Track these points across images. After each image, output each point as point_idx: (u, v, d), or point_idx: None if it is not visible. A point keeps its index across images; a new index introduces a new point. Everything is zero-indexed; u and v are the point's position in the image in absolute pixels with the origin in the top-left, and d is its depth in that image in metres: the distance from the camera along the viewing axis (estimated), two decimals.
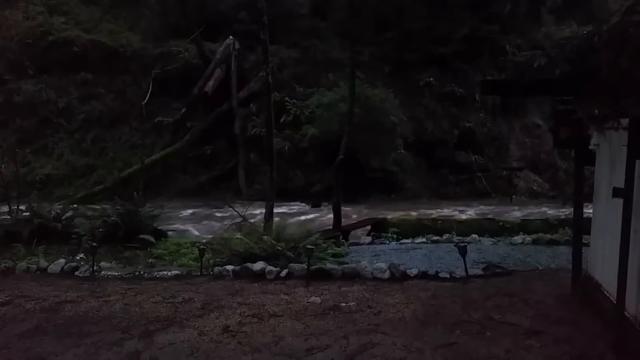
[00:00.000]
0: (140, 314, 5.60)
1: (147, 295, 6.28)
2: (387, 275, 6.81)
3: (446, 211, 15.21)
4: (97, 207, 10.68)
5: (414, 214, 13.82)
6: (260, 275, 6.98)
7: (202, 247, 7.68)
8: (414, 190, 18.32)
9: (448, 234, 9.94)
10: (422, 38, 19.86)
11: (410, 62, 20.00)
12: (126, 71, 20.66)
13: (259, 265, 7.11)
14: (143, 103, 14.98)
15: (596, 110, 4.51)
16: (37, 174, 18.15)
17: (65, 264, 7.63)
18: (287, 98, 18.73)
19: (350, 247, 8.99)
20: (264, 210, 9.79)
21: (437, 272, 6.88)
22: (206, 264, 7.46)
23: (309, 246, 7.16)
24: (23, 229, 9.05)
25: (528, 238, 9.22)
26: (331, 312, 5.55)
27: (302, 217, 14.25)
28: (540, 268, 7.28)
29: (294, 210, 15.80)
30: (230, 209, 11.03)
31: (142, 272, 7.40)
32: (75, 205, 12.02)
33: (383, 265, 7.03)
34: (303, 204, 16.71)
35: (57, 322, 5.41)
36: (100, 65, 20.65)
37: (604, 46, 4.03)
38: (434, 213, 14.22)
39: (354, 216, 13.61)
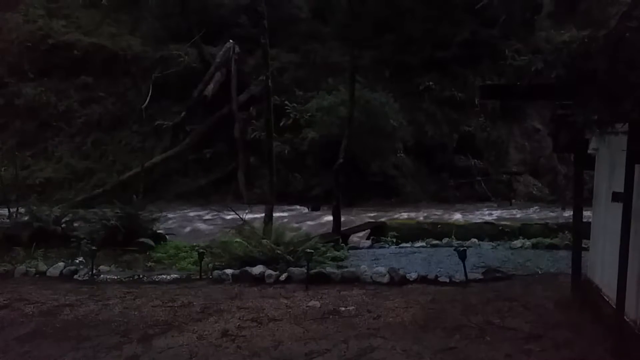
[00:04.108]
0: (139, 318, 5.59)
1: (146, 299, 6.27)
2: (386, 279, 6.81)
3: (446, 215, 15.20)
4: (97, 210, 10.66)
5: (413, 217, 13.82)
6: (260, 279, 6.97)
7: (202, 250, 7.67)
8: (413, 194, 18.31)
9: (447, 238, 9.93)
10: (422, 42, 19.91)
11: (410, 66, 20.04)
12: (126, 74, 20.68)
13: (258, 269, 7.10)
14: (143, 106, 14.99)
15: (595, 115, 4.52)
16: (37, 177, 18.13)
17: (65, 267, 7.63)
18: (287, 102, 18.75)
19: (349, 251, 8.98)
20: (263, 214, 9.78)
21: (436, 276, 6.88)
22: (205, 267, 7.45)
23: (309, 250, 7.15)
24: (22, 232, 9.04)
25: (528, 242, 9.22)
26: (330, 316, 5.55)
27: (302, 221, 14.24)
28: (539, 272, 7.28)
29: (294, 214, 15.79)
30: (226, 212, 11.01)
31: (141, 276, 7.40)
32: (74, 209, 12.00)
33: (382, 269, 7.02)
34: (303, 207, 16.71)
35: (56, 326, 5.40)
36: (100, 68, 20.69)
37: (600, 51, 4.04)
38: (434, 217, 14.22)
39: (354, 219, 13.60)
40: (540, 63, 4.57)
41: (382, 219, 12.66)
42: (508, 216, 14.76)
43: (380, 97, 17.11)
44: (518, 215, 14.88)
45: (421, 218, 13.98)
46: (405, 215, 14.89)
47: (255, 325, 5.32)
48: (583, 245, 6.11)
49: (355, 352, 4.59)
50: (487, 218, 14.14)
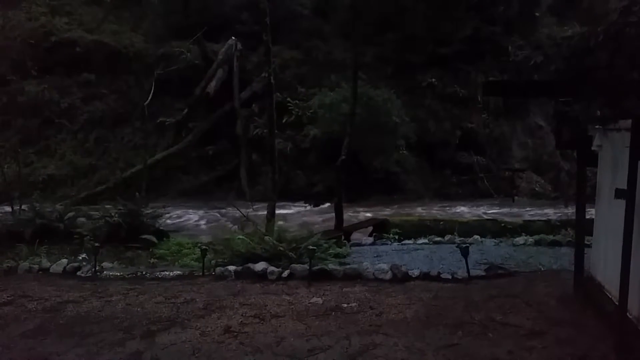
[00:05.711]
0: (142, 314, 5.61)
1: (149, 295, 6.29)
2: (388, 276, 6.81)
3: (448, 212, 15.19)
4: (100, 207, 10.69)
5: (415, 214, 13.81)
6: (262, 276, 6.98)
7: (204, 247, 7.68)
8: (415, 191, 18.30)
9: (450, 235, 9.91)
10: (424, 39, 19.86)
11: (412, 62, 20.00)
12: (129, 72, 20.69)
13: (260, 266, 7.11)
14: (145, 103, 14.98)
15: (598, 112, 4.51)
16: (40, 174, 18.16)
17: (68, 264, 7.64)
18: (289, 99, 18.72)
19: (352, 247, 8.98)
20: (265, 211, 9.79)
21: (439, 273, 6.88)
22: (208, 264, 7.46)
23: (311, 247, 7.16)
24: (25, 229, 9.08)
25: (530, 239, 9.20)
26: (333, 313, 5.55)
27: (304, 218, 14.24)
28: (542, 269, 7.26)
29: (296, 211, 15.79)
30: (228, 209, 11.02)
31: (144, 273, 7.40)
32: (77, 206, 12.03)
33: (385, 266, 7.03)
34: (305, 204, 16.71)
35: (59, 322, 5.43)
36: (102, 65, 20.67)
37: (600, 45, 4.03)
38: (436, 214, 14.21)
39: (356, 216, 13.61)
40: (539, 58, 4.56)
41: (384, 216, 12.65)
42: (510, 213, 14.75)
43: (382, 94, 17.07)
44: (520, 212, 14.86)
45: (424, 214, 13.98)
46: (409, 212, 14.89)
47: (258, 321, 5.33)
48: (585, 242, 6.10)
49: (357, 349, 4.60)
50: (490, 215, 14.13)
